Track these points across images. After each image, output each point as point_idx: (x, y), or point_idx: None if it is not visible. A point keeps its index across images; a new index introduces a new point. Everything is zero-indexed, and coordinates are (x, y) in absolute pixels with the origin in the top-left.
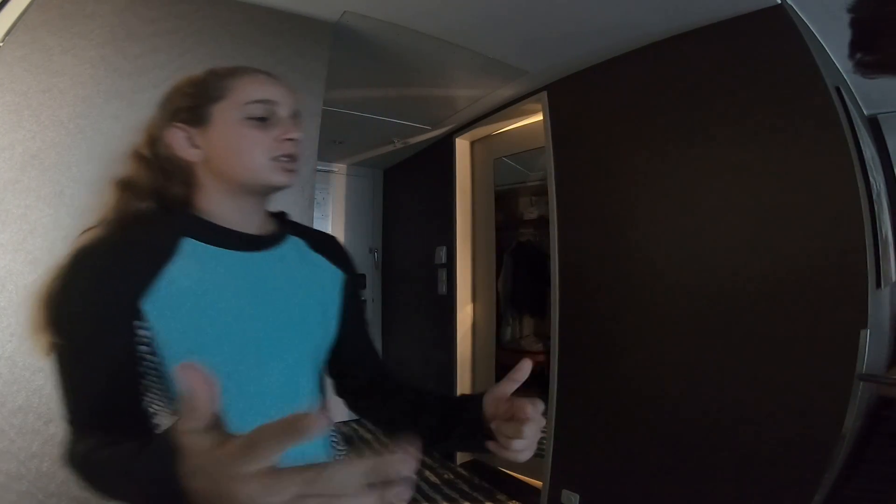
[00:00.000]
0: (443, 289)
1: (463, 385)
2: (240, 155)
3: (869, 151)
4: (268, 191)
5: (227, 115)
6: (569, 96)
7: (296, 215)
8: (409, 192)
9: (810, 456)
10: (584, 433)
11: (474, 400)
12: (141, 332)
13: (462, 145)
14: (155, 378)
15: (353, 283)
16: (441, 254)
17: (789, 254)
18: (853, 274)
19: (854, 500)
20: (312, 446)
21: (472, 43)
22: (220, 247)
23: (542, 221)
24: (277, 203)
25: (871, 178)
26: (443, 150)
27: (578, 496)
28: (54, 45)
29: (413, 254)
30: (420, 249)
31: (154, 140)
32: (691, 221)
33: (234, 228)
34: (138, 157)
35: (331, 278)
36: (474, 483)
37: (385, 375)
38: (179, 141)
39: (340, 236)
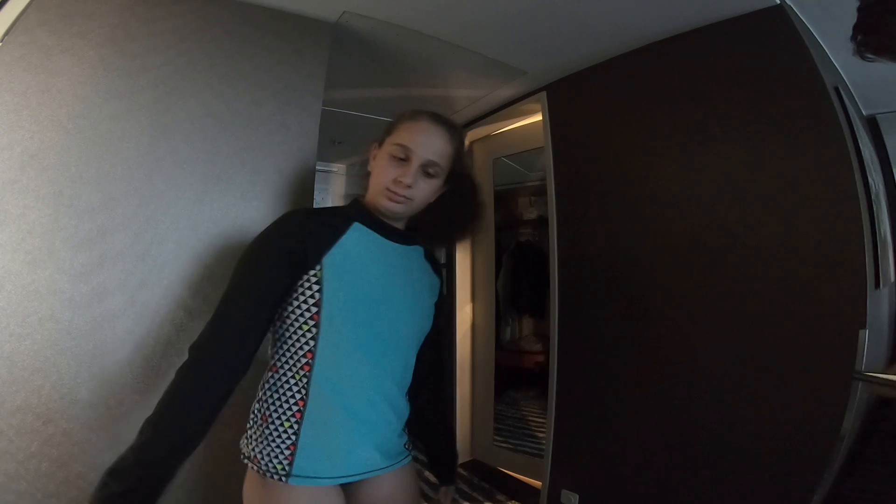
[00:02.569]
0: (442, 289)
1: (463, 385)
2: (374, 177)
3: (868, 152)
4: (382, 211)
5: (385, 148)
6: (568, 96)
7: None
8: None
9: (809, 456)
10: (584, 433)
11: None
12: (314, 276)
13: None
14: (308, 318)
15: (443, 299)
16: (440, 254)
17: (788, 254)
18: (852, 274)
19: (853, 501)
20: (392, 440)
21: (472, 43)
22: (375, 232)
23: (542, 221)
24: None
25: (869, 179)
26: None
27: (578, 496)
28: (53, 45)
29: None
30: None
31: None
32: (690, 222)
33: (386, 222)
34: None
35: (433, 283)
36: (474, 483)
37: (435, 400)
38: (370, 153)
39: None
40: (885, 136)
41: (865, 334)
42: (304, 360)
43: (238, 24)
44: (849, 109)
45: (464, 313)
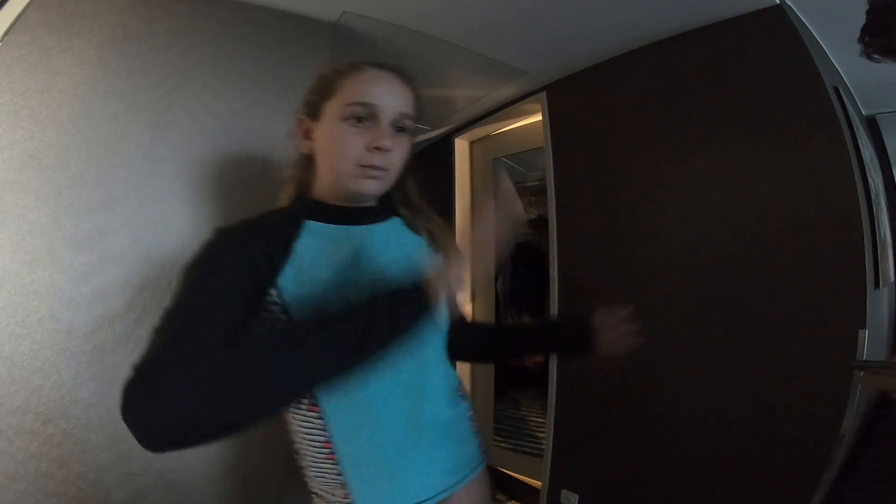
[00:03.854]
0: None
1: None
2: (328, 157)
3: (867, 152)
4: (354, 197)
5: (331, 114)
6: (568, 96)
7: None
8: None
9: (808, 456)
10: (584, 433)
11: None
12: (274, 299)
13: (461, 145)
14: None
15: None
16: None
17: (788, 254)
18: (851, 274)
19: (852, 500)
20: (453, 451)
21: (472, 43)
22: (337, 224)
23: (542, 221)
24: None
25: (869, 179)
26: (442, 150)
27: (578, 496)
28: (53, 45)
29: None
30: None
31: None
32: (690, 221)
33: (342, 204)
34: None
35: (424, 255)
36: None
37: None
38: (298, 131)
39: None
40: (885, 136)
41: (865, 334)
42: (307, 402)
43: (238, 24)
44: (849, 109)
45: (463, 313)
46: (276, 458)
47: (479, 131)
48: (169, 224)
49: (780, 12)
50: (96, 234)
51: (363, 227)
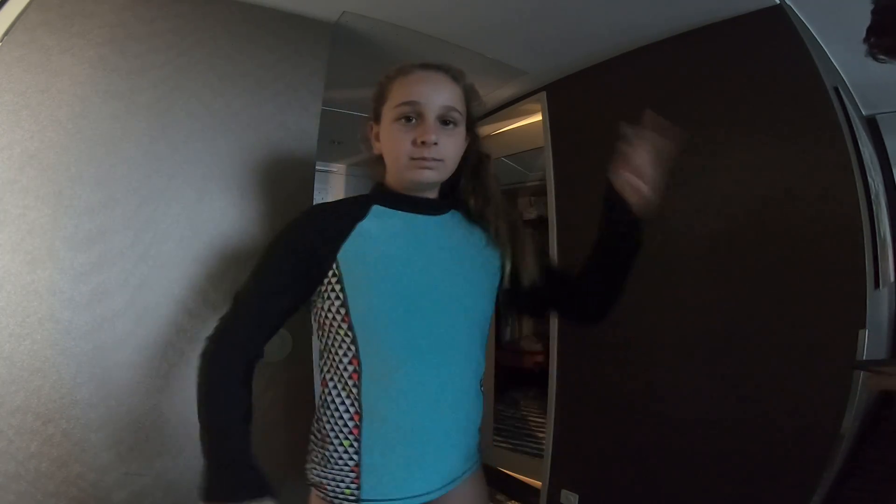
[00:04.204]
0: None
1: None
2: (389, 154)
3: (867, 152)
4: (414, 185)
5: (387, 116)
6: (568, 97)
7: (296, 215)
8: None
9: (809, 456)
10: (584, 433)
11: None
12: (333, 270)
13: None
14: (337, 307)
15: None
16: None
17: (787, 254)
18: (851, 274)
19: (853, 501)
20: (465, 445)
21: (472, 43)
22: (401, 210)
23: (542, 221)
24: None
25: (869, 179)
26: None
27: (578, 496)
28: (53, 45)
29: None
30: None
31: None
32: (690, 221)
33: (407, 193)
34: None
35: (487, 252)
36: None
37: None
38: (370, 135)
39: None
40: (885, 136)
41: (865, 334)
42: (350, 370)
43: (238, 23)
44: (849, 109)
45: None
46: (276, 458)
47: (479, 131)
48: (169, 223)
49: (780, 12)
50: (96, 234)
51: (423, 216)
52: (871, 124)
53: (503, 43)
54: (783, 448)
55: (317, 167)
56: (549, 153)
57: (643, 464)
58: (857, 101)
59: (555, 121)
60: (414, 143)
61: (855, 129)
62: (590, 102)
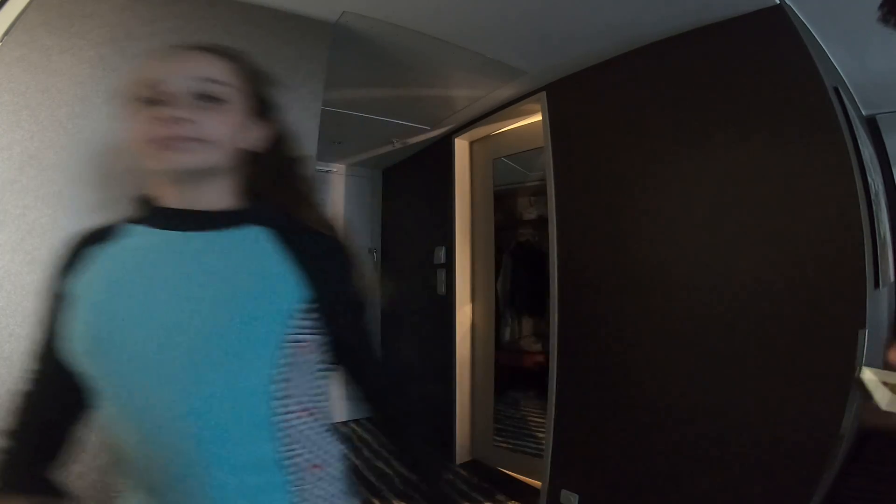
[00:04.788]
0: (442, 289)
1: (462, 385)
2: (134, 143)
3: (867, 152)
4: (175, 176)
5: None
6: (568, 96)
7: None
8: (409, 192)
9: (809, 456)
10: (584, 433)
11: None
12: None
13: (461, 145)
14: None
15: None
16: (440, 254)
17: (787, 254)
18: (851, 274)
19: (853, 501)
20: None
21: (472, 43)
22: (162, 228)
23: (541, 221)
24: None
25: (869, 179)
26: (442, 151)
27: (578, 496)
28: (53, 45)
29: (412, 254)
30: (419, 250)
31: None
32: (690, 221)
33: (181, 208)
34: None
35: (292, 286)
36: (473, 483)
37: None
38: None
39: None
40: (884, 136)
41: (865, 334)
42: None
43: (238, 23)
44: (848, 109)
45: (463, 313)
46: None
47: (479, 131)
48: None
49: (780, 12)
50: None
51: (192, 233)
52: (871, 124)
53: (503, 43)
54: (783, 448)
55: (317, 167)
56: (549, 153)
57: (643, 464)
58: (857, 100)
59: (555, 121)
60: (154, 117)
61: (855, 129)
62: (590, 102)
